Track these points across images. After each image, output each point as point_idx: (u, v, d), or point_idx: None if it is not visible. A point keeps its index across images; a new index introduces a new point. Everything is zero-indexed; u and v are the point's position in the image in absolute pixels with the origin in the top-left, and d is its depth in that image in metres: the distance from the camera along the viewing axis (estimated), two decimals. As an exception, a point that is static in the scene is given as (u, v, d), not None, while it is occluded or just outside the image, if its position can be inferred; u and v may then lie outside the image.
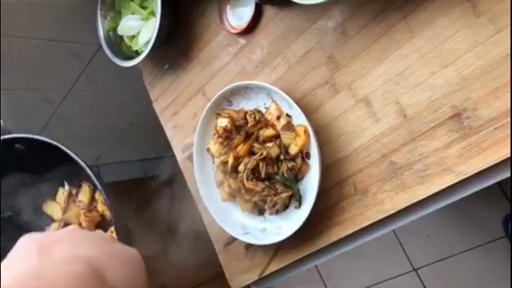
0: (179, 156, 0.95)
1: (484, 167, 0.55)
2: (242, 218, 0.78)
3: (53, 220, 0.81)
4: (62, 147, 0.67)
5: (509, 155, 0.53)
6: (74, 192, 0.79)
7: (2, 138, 0.73)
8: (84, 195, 0.78)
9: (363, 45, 0.65)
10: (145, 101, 1.06)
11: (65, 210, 0.79)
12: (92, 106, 1.42)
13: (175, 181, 1.04)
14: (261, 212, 0.75)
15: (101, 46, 0.97)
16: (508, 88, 0.53)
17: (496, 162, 0.54)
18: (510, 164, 0.55)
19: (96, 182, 0.63)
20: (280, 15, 0.75)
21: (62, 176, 0.77)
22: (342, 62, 0.68)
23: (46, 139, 0.68)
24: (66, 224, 0.78)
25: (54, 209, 0.80)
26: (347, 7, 0.67)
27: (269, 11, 0.76)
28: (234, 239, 0.82)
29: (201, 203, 0.86)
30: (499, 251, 1.46)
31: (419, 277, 1.61)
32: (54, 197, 0.81)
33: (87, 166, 0.64)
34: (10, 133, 0.73)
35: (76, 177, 0.68)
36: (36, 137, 0.70)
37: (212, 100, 0.79)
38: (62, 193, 0.80)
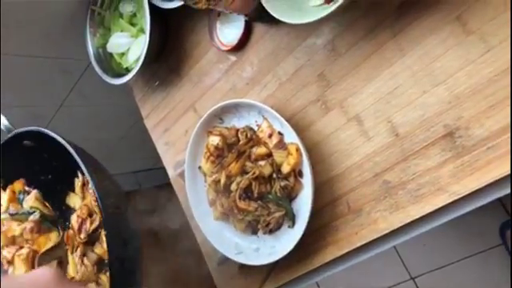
0: (171, 173, 0.94)
1: (477, 187, 0.54)
2: (235, 237, 0.77)
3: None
4: (60, 139, 0.64)
5: (502, 175, 0.52)
6: (85, 181, 0.77)
7: (9, 136, 0.69)
8: None
9: (353, 62, 0.65)
10: (137, 114, 1.05)
11: (82, 200, 0.77)
12: (84, 120, 1.41)
13: (169, 193, 1.03)
14: (254, 231, 0.74)
15: (91, 62, 0.97)
16: (500, 107, 0.52)
17: (489, 182, 0.53)
18: (511, 180, 0.54)
19: (85, 171, 0.60)
20: (270, 33, 0.74)
21: (76, 165, 0.75)
22: (332, 80, 0.68)
23: (48, 132, 0.65)
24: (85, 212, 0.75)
25: (75, 200, 0.78)
26: (337, 25, 0.66)
27: (258, 29, 0.76)
28: (227, 258, 0.81)
29: (193, 221, 0.85)
30: (496, 259, 1.45)
31: (417, 286, 1.60)
32: (73, 188, 0.79)
33: (79, 156, 0.62)
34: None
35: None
36: (42, 130, 0.66)
37: (203, 118, 0.78)
38: (77, 184, 0.78)
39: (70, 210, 0.81)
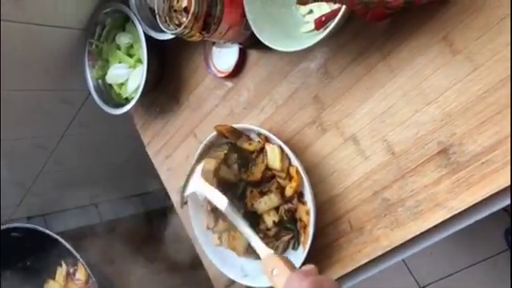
0: (174, 199, 0.95)
1: (474, 202, 0.55)
2: (241, 260, 0.78)
3: None
4: (47, 232, 0.74)
5: (498, 189, 0.54)
6: (71, 270, 0.82)
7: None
8: (81, 273, 0.81)
9: (346, 84, 0.67)
10: (139, 139, 1.07)
11: None
12: (86, 148, 1.43)
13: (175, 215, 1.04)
14: (258, 256, 0.75)
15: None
16: (490, 124, 0.53)
17: (485, 196, 0.54)
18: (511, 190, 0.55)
19: (82, 261, 0.67)
20: (264, 59, 0.76)
21: (60, 256, 0.82)
22: (327, 102, 0.69)
23: (34, 227, 0.77)
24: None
25: None
26: (328, 49, 0.68)
27: (253, 55, 0.78)
28: (233, 281, 0.82)
29: (199, 245, 0.85)
30: (503, 264, 1.45)
31: (426, 295, 1.60)
32: (54, 276, 0.84)
33: (71, 246, 0.69)
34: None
35: (72, 255, 0.73)
36: (27, 225, 0.77)
37: (203, 144, 0.79)
38: (60, 272, 0.82)
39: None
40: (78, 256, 0.71)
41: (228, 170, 0.76)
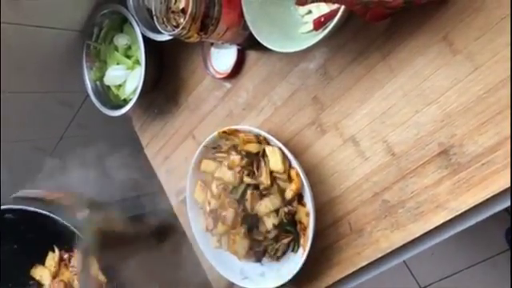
0: (173, 201, 0.95)
1: (475, 203, 0.55)
2: (240, 262, 0.77)
3: (40, 285, 0.80)
4: (52, 215, 0.69)
5: (499, 190, 0.53)
6: (65, 256, 0.79)
7: None
8: (77, 260, 0.78)
9: (346, 85, 0.66)
10: (138, 140, 1.07)
11: (55, 275, 0.79)
12: (85, 150, 1.42)
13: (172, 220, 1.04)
14: (258, 259, 0.75)
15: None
16: (491, 124, 0.53)
17: (486, 197, 0.54)
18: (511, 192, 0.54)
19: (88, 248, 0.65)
20: (262, 59, 0.76)
21: (52, 241, 0.78)
22: (326, 103, 0.69)
23: (32, 209, 0.71)
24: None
25: (42, 273, 0.80)
26: (327, 49, 0.68)
27: (251, 56, 0.77)
28: (233, 284, 0.81)
29: (198, 247, 0.85)
30: (504, 264, 1.44)
31: (427, 295, 1.59)
32: (43, 261, 0.81)
33: (77, 230, 0.66)
34: None
35: (67, 242, 0.70)
36: (24, 207, 0.72)
37: (201, 146, 0.79)
38: (53, 258, 0.80)
39: (33, 282, 0.84)
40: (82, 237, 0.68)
41: (228, 172, 0.75)
